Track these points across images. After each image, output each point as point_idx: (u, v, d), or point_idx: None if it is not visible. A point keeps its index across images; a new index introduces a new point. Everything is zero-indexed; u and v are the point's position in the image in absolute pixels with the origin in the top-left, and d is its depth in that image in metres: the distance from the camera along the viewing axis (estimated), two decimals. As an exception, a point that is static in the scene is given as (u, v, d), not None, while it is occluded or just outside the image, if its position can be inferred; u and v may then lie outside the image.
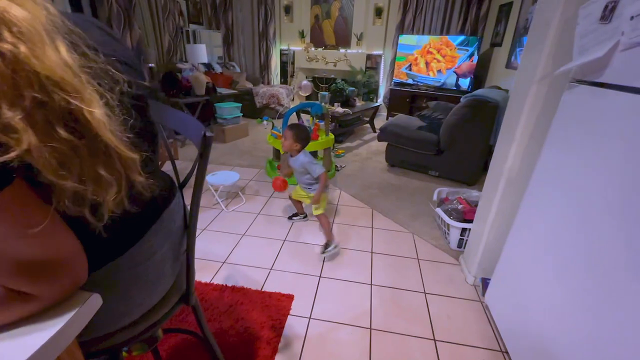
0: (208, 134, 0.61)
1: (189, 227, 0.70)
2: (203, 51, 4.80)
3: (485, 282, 1.58)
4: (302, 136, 1.83)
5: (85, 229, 0.43)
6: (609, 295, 0.79)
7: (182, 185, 0.74)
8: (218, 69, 5.06)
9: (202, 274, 1.66)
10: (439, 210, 2.02)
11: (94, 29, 0.50)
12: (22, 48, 0.31)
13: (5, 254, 0.38)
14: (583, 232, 0.90)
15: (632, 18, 0.78)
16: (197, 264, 1.72)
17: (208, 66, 4.89)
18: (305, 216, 2.23)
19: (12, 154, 0.31)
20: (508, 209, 1.46)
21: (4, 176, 0.34)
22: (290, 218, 2.23)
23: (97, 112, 0.37)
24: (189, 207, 0.69)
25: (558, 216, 1.03)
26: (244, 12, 5.56)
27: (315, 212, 1.92)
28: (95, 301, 0.47)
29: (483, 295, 1.55)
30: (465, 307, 1.53)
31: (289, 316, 1.43)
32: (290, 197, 2.16)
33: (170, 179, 0.72)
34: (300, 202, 2.14)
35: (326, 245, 1.86)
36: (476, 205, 1.84)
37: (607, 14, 0.87)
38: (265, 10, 5.47)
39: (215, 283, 1.60)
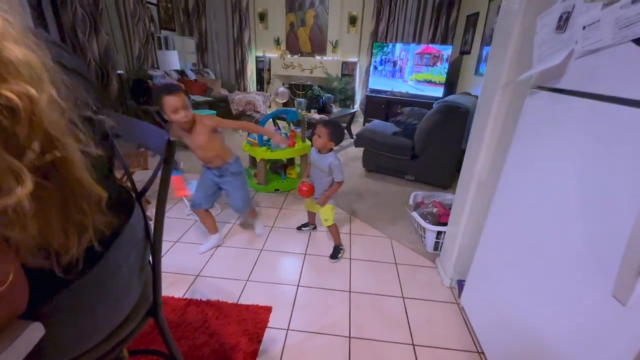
0: (172, 138, 0.58)
1: (156, 233, 0.67)
2: (175, 58, 4.70)
3: (460, 284, 1.60)
4: (338, 134, 1.73)
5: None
6: (577, 290, 0.82)
7: (141, 195, 0.70)
8: (192, 75, 4.96)
9: (175, 289, 1.58)
10: (414, 214, 2.05)
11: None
12: (44, 96, 0.29)
13: None
14: (550, 231, 0.93)
15: (584, 28, 0.82)
16: (169, 278, 1.65)
17: (181, 73, 4.78)
18: (315, 227, 2.20)
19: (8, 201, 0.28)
20: (480, 210, 1.49)
21: None
22: (299, 229, 2.19)
23: (76, 155, 0.34)
24: (151, 215, 0.66)
25: (526, 215, 1.06)
26: (218, 19, 5.50)
27: (325, 224, 1.91)
28: (35, 331, 0.42)
29: (459, 297, 1.57)
30: (443, 310, 1.54)
31: (267, 329, 1.39)
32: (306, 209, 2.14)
33: (127, 192, 0.68)
34: (313, 213, 2.11)
35: (336, 251, 1.90)
36: (450, 208, 1.88)
37: (562, 24, 0.92)
38: (240, 16, 5.43)
39: (188, 298, 1.53)
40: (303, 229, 2.19)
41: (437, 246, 1.95)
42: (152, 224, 0.69)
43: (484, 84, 1.45)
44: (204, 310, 1.45)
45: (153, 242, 0.67)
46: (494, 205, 1.28)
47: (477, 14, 3.88)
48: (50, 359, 0.53)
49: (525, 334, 1.01)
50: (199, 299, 1.52)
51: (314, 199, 1.87)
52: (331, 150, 1.76)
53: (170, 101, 1.45)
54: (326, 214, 1.87)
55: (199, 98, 4.31)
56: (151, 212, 0.69)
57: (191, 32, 5.36)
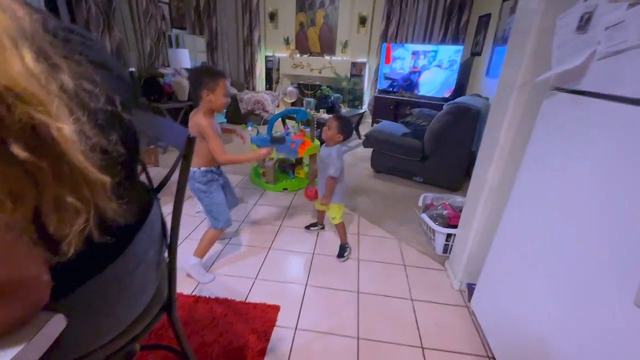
0: (192, 135, 0.58)
1: (173, 229, 0.68)
2: (186, 56, 4.73)
3: (470, 287, 1.58)
4: (347, 129, 1.76)
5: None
6: (594, 297, 0.80)
7: (159, 190, 0.70)
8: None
9: (184, 286, 1.59)
10: (424, 216, 2.03)
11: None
12: None
13: None
14: (567, 236, 0.91)
15: (607, 28, 0.81)
16: (178, 276, 1.65)
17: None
18: (323, 227, 2.20)
19: None
20: (492, 214, 1.47)
21: None
22: (307, 228, 2.19)
23: (66, 128, 0.33)
24: (168, 209, 0.66)
25: (542, 220, 1.04)
26: (228, 18, 5.53)
27: (334, 222, 1.92)
28: (58, 322, 0.42)
29: (469, 300, 1.55)
30: (452, 313, 1.53)
31: (275, 327, 1.39)
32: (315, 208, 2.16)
33: (145, 187, 0.68)
34: (323, 214, 2.13)
35: (343, 249, 1.91)
36: (460, 211, 1.86)
37: (583, 25, 0.90)
38: (250, 16, 5.46)
39: (197, 295, 1.54)
40: (312, 228, 2.18)
41: (446, 249, 1.93)
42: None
43: (499, 85, 1.43)
44: (213, 308, 1.46)
45: (170, 239, 0.67)
46: (509, 209, 1.26)
47: (489, 14, 3.84)
48: (70, 352, 0.53)
49: (539, 339, 1.00)
50: (207, 297, 1.52)
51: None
52: (338, 143, 1.78)
53: (226, 84, 1.48)
54: (333, 212, 1.88)
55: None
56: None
57: (202, 31, 5.40)
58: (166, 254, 0.72)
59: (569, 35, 0.96)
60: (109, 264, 0.51)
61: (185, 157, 0.59)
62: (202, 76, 1.46)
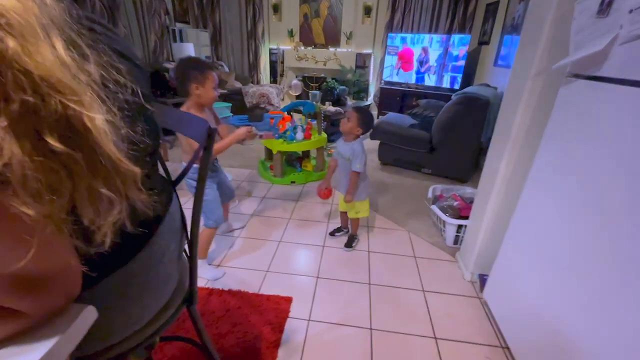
0: (213, 126, 0.59)
1: (193, 221, 0.68)
2: (190, 50, 4.72)
3: (482, 278, 1.58)
4: (368, 122, 1.70)
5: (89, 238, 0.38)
6: (607, 287, 0.79)
7: (175, 183, 0.71)
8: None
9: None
10: (434, 208, 2.02)
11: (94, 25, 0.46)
12: (11, 43, 0.27)
13: None
14: (582, 227, 0.90)
15: (631, 11, 0.78)
16: (191, 268, 1.68)
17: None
18: (348, 231, 2.03)
19: None
20: (504, 205, 1.46)
21: None
22: (332, 234, 2.03)
23: (98, 118, 0.32)
24: (186, 202, 0.66)
25: (556, 211, 1.03)
26: (232, 11, 5.48)
27: (356, 216, 1.87)
28: (89, 315, 0.43)
29: (481, 291, 1.55)
30: (464, 304, 1.53)
31: (288, 319, 1.40)
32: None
33: (164, 179, 0.69)
34: (346, 215, 1.97)
35: (352, 240, 1.93)
36: (471, 202, 1.85)
37: (604, 9, 0.88)
38: (254, 8, 5.40)
39: (210, 287, 1.55)
40: (337, 234, 2.03)
41: (456, 240, 1.92)
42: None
43: (512, 74, 1.41)
44: (226, 300, 1.47)
45: (191, 231, 0.68)
46: (523, 200, 1.25)
47: (497, 2, 3.76)
48: (99, 343, 0.54)
49: (553, 329, 0.99)
50: (220, 289, 1.54)
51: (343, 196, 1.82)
52: (357, 137, 1.73)
53: (214, 77, 1.43)
54: (361, 207, 1.85)
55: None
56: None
57: (205, 24, 5.37)
58: (186, 247, 0.72)
59: (589, 20, 0.93)
60: (135, 255, 0.51)
61: (206, 149, 0.59)
62: (190, 69, 1.40)
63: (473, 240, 1.64)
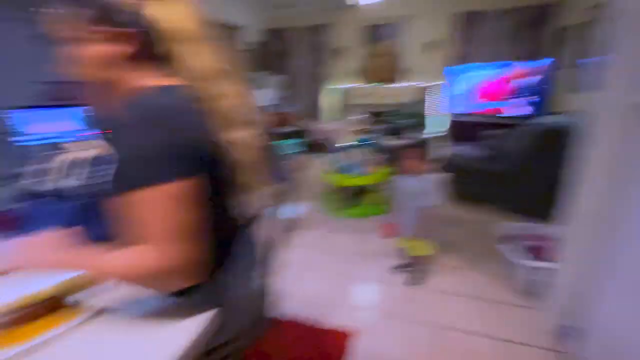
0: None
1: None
2: (268, 95, 5.38)
3: (563, 329, 1.42)
4: (433, 156, 1.65)
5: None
6: None
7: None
8: (282, 108, 5.61)
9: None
10: (507, 248, 1.90)
11: None
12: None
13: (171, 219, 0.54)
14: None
15: None
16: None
17: (273, 107, 5.46)
18: (413, 267, 1.94)
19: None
20: (594, 247, 1.32)
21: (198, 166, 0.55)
22: (396, 269, 1.98)
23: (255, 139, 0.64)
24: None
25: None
26: (301, 58, 6.11)
27: (417, 253, 1.78)
28: (216, 317, 0.63)
29: (561, 343, 1.39)
30: (540, 357, 1.39)
31: (346, 354, 1.43)
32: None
33: None
34: (408, 250, 1.91)
35: (415, 276, 1.86)
36: (550, 242, 1.71)
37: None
38: (319, 53, 5.96)
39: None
40: (400, 270, 1.97)
41: (533, 284, 1.77)
42: None
43: (600, 102, 1.30)
44: (285, 330, 1.55)
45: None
46: (623, 242, 1.14)
47: (574, 25, 3.51)
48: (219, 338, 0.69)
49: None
50: (278, 319, 1.62)
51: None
52: (424, 172, 1.67)
53: None
54: (418, 244, 1.80)
55: (286, 129, 4.81)
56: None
57: (278, 70, 6.08)
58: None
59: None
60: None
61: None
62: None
63: (555, 285, 1.49)
